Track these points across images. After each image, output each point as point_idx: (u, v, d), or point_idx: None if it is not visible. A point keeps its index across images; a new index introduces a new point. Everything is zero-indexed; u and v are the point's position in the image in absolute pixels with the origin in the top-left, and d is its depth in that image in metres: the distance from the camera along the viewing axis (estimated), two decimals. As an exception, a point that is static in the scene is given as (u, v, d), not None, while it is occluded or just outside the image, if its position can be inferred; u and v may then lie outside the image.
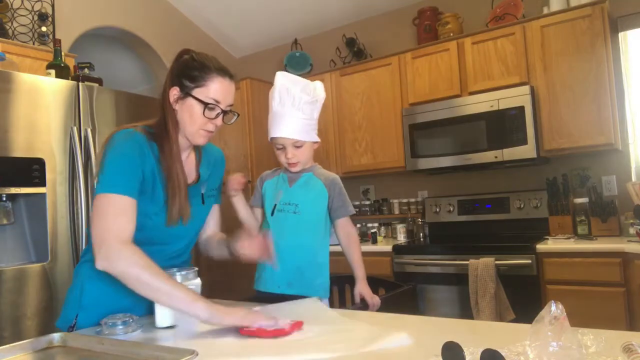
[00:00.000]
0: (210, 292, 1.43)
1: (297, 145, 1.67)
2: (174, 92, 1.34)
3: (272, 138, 1.70)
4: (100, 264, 1.20)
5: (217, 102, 1.33)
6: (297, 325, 1.17)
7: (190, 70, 1.33)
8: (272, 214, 1.71)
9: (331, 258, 1.77)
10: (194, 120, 1.33)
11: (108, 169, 1.26)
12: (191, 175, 1.43)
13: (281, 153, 1.71)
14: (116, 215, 1.22)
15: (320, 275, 1.71)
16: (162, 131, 1.35)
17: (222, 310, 1.18)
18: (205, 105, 1.32)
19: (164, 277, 1.19)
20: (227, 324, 1.17)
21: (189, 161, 1.44)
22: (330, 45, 4.01)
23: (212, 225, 1.57)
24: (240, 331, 1.15)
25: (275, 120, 1.67)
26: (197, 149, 1.48)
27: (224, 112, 1.37)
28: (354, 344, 1.03)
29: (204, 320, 1.18)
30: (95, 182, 1.34)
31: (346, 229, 1.77)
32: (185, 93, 1.33)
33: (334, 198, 1.73)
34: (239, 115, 1.44)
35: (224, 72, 1.35)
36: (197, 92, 1.32)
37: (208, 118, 1.33)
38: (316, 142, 1.75)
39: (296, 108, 1.64)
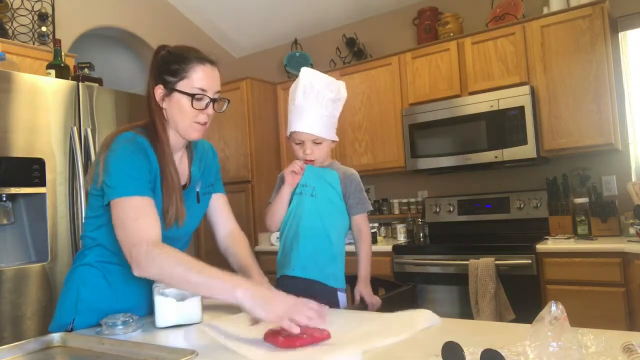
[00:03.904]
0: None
1: (317, 142, 1.68)
2: (159, 91, 1.31)
3: (292, 132, 1.70)
4: (135, 272, 1.16)
5: (204, 90, 1.30)
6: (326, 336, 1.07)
7: (169, 64, 1.30)
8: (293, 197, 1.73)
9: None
10: (184, 115, 1.30)
11: (116, 174, 1.21)
12: (184, 176, 1.41)
13: (299, 148, 1.71)
14: (137, 218, 1.18)
15: (333, 264, 1.71)
16: (152, 133, 1.31)
17: (265, 301, 1.07)
18: (192, 96, 1.29)
19: (199, 269, 1.13)
20: (267, 320, 1.07)
21: (182, 162, 1.42)
22: (330, 45, 4.01)
23: (224, 219, 1.53)
24: (271, 340, 1.05)
25: (296, 114, 1.67)
26: (188, 148, 1.45)
27: (213, 101, 1.33)
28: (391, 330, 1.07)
29: (246, 311, 1.10)
30: (89, 187, 1.31)
31: (360, 226, 1.77)
32: (170, 89, 1.30)
33: (351, 194, 1.73)
34: (229, 101, 1.40)
35: (204, 59, 1.32)
36: (181, 86, 1.29)
37: (198, 109, 1.30)
38: (334, 141, 1.75)
39: (319, 104, 1.65)
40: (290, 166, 1.71)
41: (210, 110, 1.33)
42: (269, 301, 1.09)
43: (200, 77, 1.30)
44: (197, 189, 1.44)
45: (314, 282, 1.64)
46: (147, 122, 1.34)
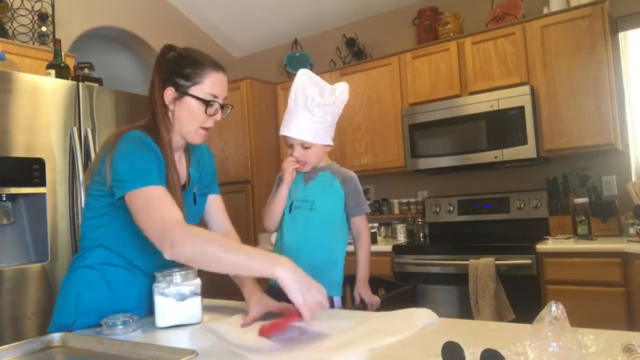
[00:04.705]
0: (210, 292, 1.43)
1: (305, 146, 1.67)
2: (169, 93, 1.31)
3: (281, 135, 1.71)
4: (167, 254, 1.12)
5: (216, 97, 1.31)
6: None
7: (182, 67, 1.30)
8: (290, 211, 1.72)
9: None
10: (193, 119, 1.31)
11: (128, 168, 1.20)
12: (182, 178, 1.40)
13: (290, 151, 1.71)
14: (159, 205, 1.16)
15: (333, 272, 1.70)
16: (154, 134, 1.30)
17: (305, 284, 1.07)
18: (207, 103, 1.30)
19: (233, 247, 1.13)
20: (297, 303, 1.06)
21: (180, 163, 1.42)
22: (330, 45, 4.01)
23: (219, 220, 1.52)
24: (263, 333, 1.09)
25: (286, 118, 1.68)
26: (186, 149, 1.45)
27: (221, 107, 1.35)
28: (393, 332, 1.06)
29: (283, 288, 1.07)
30: (85, 186, 1.30)
31: (359, 227, 1.77)
32: (182, 92, 1.30)
33: (350, 196, 1.73)
34: (232, 107, 1.42)
35: (217, 65, 1.33)
36: (194, 90, 1.29)
37: (209, 115, 1.31)
38: (328, 146, 1.74)
39: (307, 109, 1.63)
40: (288, 165, 1.69)
41: (218, 116, 1.34)
42: (307, 285, 1.08)
43: (213, 84, 1.31)
44: (194, 191, 1.44)
45: None
46: (148, 122, 1.33)
